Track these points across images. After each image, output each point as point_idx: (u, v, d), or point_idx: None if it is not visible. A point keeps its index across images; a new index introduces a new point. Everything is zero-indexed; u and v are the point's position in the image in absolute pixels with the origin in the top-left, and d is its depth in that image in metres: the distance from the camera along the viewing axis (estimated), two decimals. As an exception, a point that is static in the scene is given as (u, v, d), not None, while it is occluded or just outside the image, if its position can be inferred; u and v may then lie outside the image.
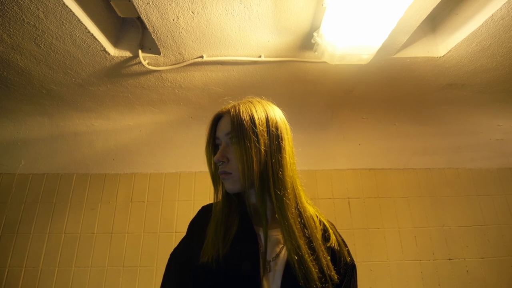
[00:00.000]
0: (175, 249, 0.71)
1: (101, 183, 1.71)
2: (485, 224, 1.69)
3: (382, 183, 1.76)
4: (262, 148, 0.60)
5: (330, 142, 1.82)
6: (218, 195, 0.68)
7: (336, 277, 0.59)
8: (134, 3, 0.94)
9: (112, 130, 1.77)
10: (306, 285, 0.55)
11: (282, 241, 0.62)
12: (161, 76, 1.38)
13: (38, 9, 0.95)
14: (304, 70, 1.38)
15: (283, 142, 0.64)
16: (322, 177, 1.76)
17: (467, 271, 1.60)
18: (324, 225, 0.67)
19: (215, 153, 0.67)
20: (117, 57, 1.23)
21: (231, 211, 0.65)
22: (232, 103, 0.68)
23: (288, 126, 0.68)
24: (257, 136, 0.60)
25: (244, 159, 0.59)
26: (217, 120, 0.68)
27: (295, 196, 0.63)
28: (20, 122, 1.75)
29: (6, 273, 1.52)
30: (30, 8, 0.94)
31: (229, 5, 0.98)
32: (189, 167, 1.75)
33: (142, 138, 1.78)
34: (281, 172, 0.61)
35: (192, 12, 1.00)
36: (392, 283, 1.56)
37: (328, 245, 0.63)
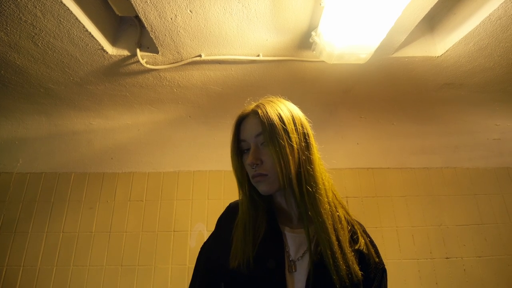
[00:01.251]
0: (204, 244, 0.73)
1: (99, 182, 1.71)
2: (482, 223, 1.70)
3: (380, 182, 1.76)
4: (295, 146, 0.61)
5: (328, 142, 1.82)
6: (244, 198, 0.67)
7: (360, 277, 0.58)
8: (132, 2, 0.94)
9: (111, 129, 1.77)
10: (336, 282, 0.55)
11: (307, 241, 0.61)
12: (159, 75, 1.38)
13: (36, 7, 0.94)
14: (302, 69, 1.38)
15: (310, 139, 0.65)
16: (321, 176, 1.76)
17: (465, 270, 1.61)
18: (353, 226, 0.66)
19: (240, 156, 0.66)
20: (115, 56, 1.23)
21: (258, 213, 0.65)
22: (253, 103, 0.68)
23: (308, 124, 0.70)
24: (288, 135, 0.61)
25: (281, 159, 0.59)
26: (240, 122, 0.67)
27: (326, 192, 0.63)
28: (18, 121, 1.75)
29: (4, 272, 1.52)
30: (28, 7, 0.94)
31: (227, 4, 0.98)
32: (187, 166, 1.75)
33: (141, 137, 1.78)
34: (312, 168, 0.62)
35: (190, 11, 1.00)
36: (390, 282, 1.55)
37: (356, 247, 0.62)
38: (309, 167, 0.62)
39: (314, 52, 1.19)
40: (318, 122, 1.80)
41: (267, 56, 1.26)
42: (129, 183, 1.72)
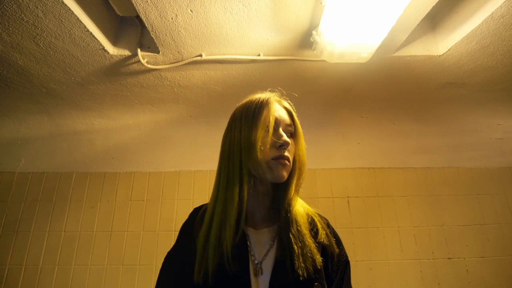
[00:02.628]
0: (168, 255, 0.69)
1: (101, 182, 1.72)
2: (485, 223, 1.69)
3: (381, 182, 1.76)
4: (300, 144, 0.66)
5: (329, 141, 1.82)
6: (244, 188, 0.60)
7: (321, 265, 0.58)
8: (133, 2, 0.94)
9: (112, 129, 1.78)
10: (299, 275, 0.55)
11: (271, 239, 0.62)
12: (160, 75, 1.38)
13: (37, 7, 0.95)
14: (303, 69, 1.37)
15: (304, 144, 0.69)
16: (322, 176, 1.76)
17: (467, 270, 1.60)
18: (313, 219, 0.66)
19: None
20: (116, 55, 1.23)
21: (228, 215, 0.60)
22: (269, 94, 0.68)
23: None
24: (302, 135, 0.67)
25: (302, 152, 0.65)
26: (273, 101, 0.65)
27: None
28: (20, 121, 1.75)
29: (6, 272, 1.53)
30: (29, 7, 0.94)
31: (228, 4, 0.97)
32: (188, 165, 1.75)
33: (142, 137, 1.78)
34: (304, 167, 0.66)
35: (190, 11, 1.00)
36: (391, 282, 1.56)
37: (317, 240, 0.62)
38: (302, 170, 0.65)
39: (315, 51, 1.19)
40: (319, 122, 1.81)
41: (268, 55, 1.26)
42: (130, 183, 1.72)
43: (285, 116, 0.65)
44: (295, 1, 0.98)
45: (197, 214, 0.68)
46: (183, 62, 1.27)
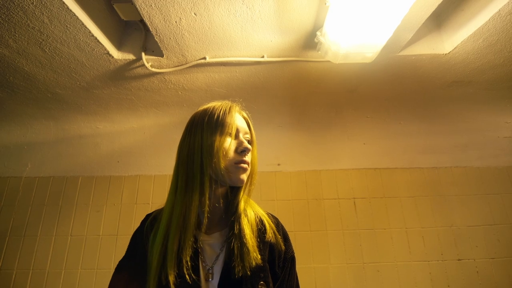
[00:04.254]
0: (119, 265, 0.68)
1: (106, 186, 1.72)
2: (494, 224, 1.66)
3: (388, 183, 1.73)
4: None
5: (334, 142, 1.80)
6: (206, 193, 0.61)
7: (260, 262, 0.60)
8: (137, 6, 0.95)
9: (117, 132, 1.78)
10: (241, 277, 0.57)
11: (221, 243, 0.63)
12: (164, 78, 1.39)
13: (43, 14, 0.96)
14: (307, 70, 1.37)
15: None
16: (327, 177, 1.74)
17: (477, 272, 1.57)
18: (261, 219, 0.68)
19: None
20: (120, 60, 1.24)
21: (186, 219, 0.60)
22: (229, 102, 0.70)
23: None
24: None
25: (256, 159, 0.69)
26: (230, 111, 0.67)
27: None
28: (26, 126, 1.77)
29: (14, 276, 1.54)
30: (35, 13, 0.95)
31: (232, 6, 0.97)
32: (193, 168, 1.75)
33: (146, 140, 1.79)
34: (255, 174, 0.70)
35: (194, 14, 1.00)
36: (400, 284, 1.54)
37: (265, 239, 0.65)
38: (255, 174, 0.69)
39: (319, 52, 1.18)
40: (324, 122, 1.80)
41: (272, 57, 1.26)
42: (135, 186, 1.72)
43: (244, 125, 0.68)
44: (299, 2, 0.98)
45: (147, 220, 0.68)
46: (187, 65, 1.27)
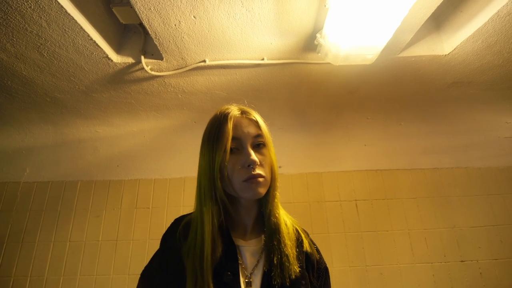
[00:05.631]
0: (147, 267, 0.66)
1: (106, 190, 1.71)
2: (497, 224, 1.65)
3: (389, 184, 1.73)
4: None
5: (335, 144, 1.80)
6: (209, 209, 0.59)
7: (299, 273, 0.59)
8: (136, 9, 0.94)
9: (116, 136, 1.77)
10: (283, 282, 0.56)
11: (261, 249, 0.62)
12: (164, 81, 1.38)
13: (41, 18, 0.95)
14: (307, 72, 1.37)
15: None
16: (328, 179, 1.73)
17: (481, 273, 1.55)
18: (297, 230, 0.68)
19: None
20: (119, 63, 1.24)
21: (214, 228, 0.58)
22: (236, 105, 0.67)
23: None
24: (271, 142, 0.66)
25: (275, 163, 0.63)
26: (230, 119, 0.62)
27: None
28: (24, 131, 1.76)
29: (11, 283, 1.52)
30: (33, 17, 0.95)
31: (231, 9, 0.97)
32: (193, 172, 1.71)
33: (146, 144, 1.78)
34: (277, 175, 0.65)
35: (194, 17, 1.00)
36: (404, 287, 1.52)
37: (303, 249, 0.64)
38: (277, 178, 0.65)
39: (320, 54, 1.18)
40: (325, 124, 1.80)
41: (272, 59, 1.25)
42: (135, 190, 1.71)
43: (250, 129, 0.61)
44: (298, 4, 0.97)
45: (179, 226, 0.65)
46: (187, 68, 1.27)
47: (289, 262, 0.58)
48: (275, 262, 0.57)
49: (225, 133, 0.59)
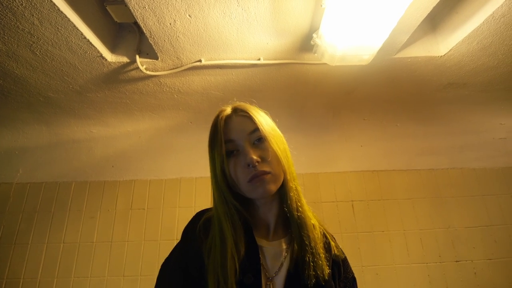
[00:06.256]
0: (168, 259, 0.65)
1: (100, 191, 1.69)
2: (491, 225, 1.66)
3: (385, 185, 1.73)
4: (283, 139, 0.62)
5: (331, 145, 1.80)
6: (223, 210, 0.59)
7: (330, 278, 0.57)
8: (130, 8, 0.93)
9: (111, 136, 1.75)
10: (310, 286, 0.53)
11: (285, 250, 0.59)
12: (160, 81, 1.37)
13: (33, 15, 0.93)
14: (304, 72, 1.36)
15: (282, 139, 0.64)
16: (325, 180, 1.73)
17: (475, 273, 1.56)
18: (324, 234, 0.65)
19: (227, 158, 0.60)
20: (114, 62, 1.22)
21: (236, 228, 0.57)
22: (229, 104, 0.65)
23: None
24: (276, 131, 0.62)
25: (282, 153, 0.59)
26: (222, 121, 0.61)
27: (302, 197, 0.63)
28: (18, 131, 1.73)
29: (3, 285, 1.49)
30: (25, 15, 0.93)
31: (227, 8, 0.96)
32: (189, 172, 1.73)
33: (142, 144, 1.76)
34: (293, 170, 0.62)
35: (189, 16, 0.99)
36: (399, 287, 1.53)
37: (331, 253, 0.62)
38: (292, 169, 0.61)
39: (316, 54, 1.17)
40: (321, 125, 1.80)
41: (268, 59, 1.25)
42: (130, 191, 1.69)
43: (244, 127, 0.59)
44: (295, 4, 0.97)
45: (199, 220, 0.63)
46: (183, 68, 1.26)
47: (322, 262, 0.55)
48: (307, 259, 0.55)
49: (218, 139, 0.59)
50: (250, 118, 0.60)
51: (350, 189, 1.72)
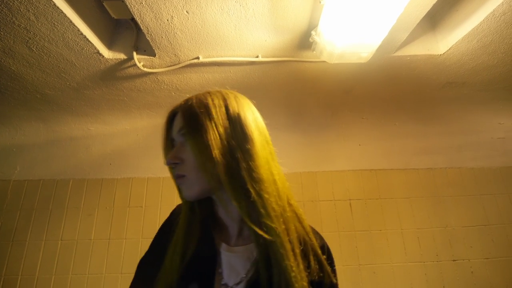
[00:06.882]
0: (141, 260, 0.63)
1: (98, 189, 1.68)
2: (488, 224, 1.66)
3: (383, 184, 1.73)
4: (223, 132, 0.50)
5: (330, 143, 1.79)
6: (183, 206, 0.58)
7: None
8: (127, 4, 0.92)
9: (109, 134, 1.75)
10: None
11: (247, 260, 0.52)
12: (157, 78, 1.36)
13: (29, 11, 0.92)
14: (302, 70, 1.35)
15: (249, 130, 0.53)
16: (323, 178, 1.73)
17: (472, 272, 1.57)
18: (305, 243, 0.55)
19: None
20: (111, 59, 1.21)
21: (191, 225, 0.54)
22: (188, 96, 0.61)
23: (257, 118, 0.59)
24: (214, 122, 0.51)
25: (201, 153, 0.49)
26: (171, 119, 0.58)
27: (278, 195, 0.52)
28: (15, 128, 1.72)
29: (1, 282, 1.49)
30: (20, 10, 0.92)
31: (225, 4, 0.95)
32: (187, 170, 1.72)
33: (139, 142, 1.75)
34: (253, 163, 0.50)
35: (186, 12, 0.98)
36: (396, 285, 1.53)
37: (309, 264, 0.53)
38: (248, 163, 0.50)
39: (315, 52, 1.17)
40: (319, 124, 1.79)
41: (267, 57, 1.24)
42: (128, 189, 1.69)
43: (176, 125, 0.56)
44: (293, 1, 0.96)
45: (178, 213, 0.60)
46: (180, 65, 1.25)
47: (292, 281, 0.46)
48: (275, 280, 0.47)
49: (162, 138, 0.58)
50: (176, 114, 0.56)
51: (348, 188, 1.71)
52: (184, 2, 0.94)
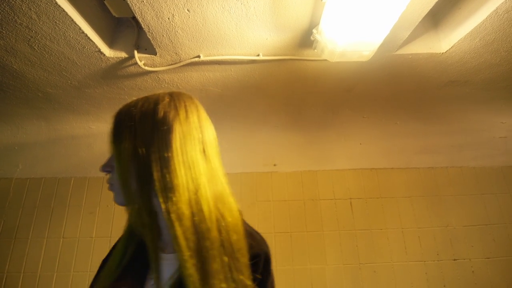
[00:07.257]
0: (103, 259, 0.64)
1: (100, 187, 1.69)
2: (490, 224, 1.66)
3: (384, 183, 1.73)
4: (140, 143, 0.49)
5: (330, 142, 1.79)
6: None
7: None
8: (129, 2, 0.92)
9: (110, 132, 1.75)
10: None
11: (175, 269, 0.50)
12: (158, 77, 1.36)
13: (30, 9, 0.92)
14: (303, 69, 1.35)
15: (172, 135, 0.50)
16: (323, 177, 1.73)
17: (473, 271, 1.57)
18: (233, 256, 0.50)
19: None
20: (112, 58, 1.21)
21: (131, 234, 0.54)
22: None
23: (194, 122, 0.56)
24: (134, 132, 0.49)
25: (119, 163, 0.49)
26: None
27: (190, 201, 0.48)
28: (17, 126, 1.73)
29: (4, 279, 1.50)
30: (22, 9, 0.92)
31: (226, 2, 0.95)
32: (188, 169, 1.73)
33: (140, 140, 1.76)
34: (167, 172, 0.48)
35: (187, 10, 0.98)
36: (397, 285, 1.53)
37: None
38: (163, 171, 0.48)
39: (316, 50, 1.16)
40: (320, 123, 1.79)
41: (267, 55, 1.24)
42: (129, 187, 1.69)
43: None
44: (294, -1, 0.96)
45: None
46: (181, 64, 1.25)
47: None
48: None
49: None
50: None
51: (349, 187, 1.71)
52: (185, 1, 0.93)
